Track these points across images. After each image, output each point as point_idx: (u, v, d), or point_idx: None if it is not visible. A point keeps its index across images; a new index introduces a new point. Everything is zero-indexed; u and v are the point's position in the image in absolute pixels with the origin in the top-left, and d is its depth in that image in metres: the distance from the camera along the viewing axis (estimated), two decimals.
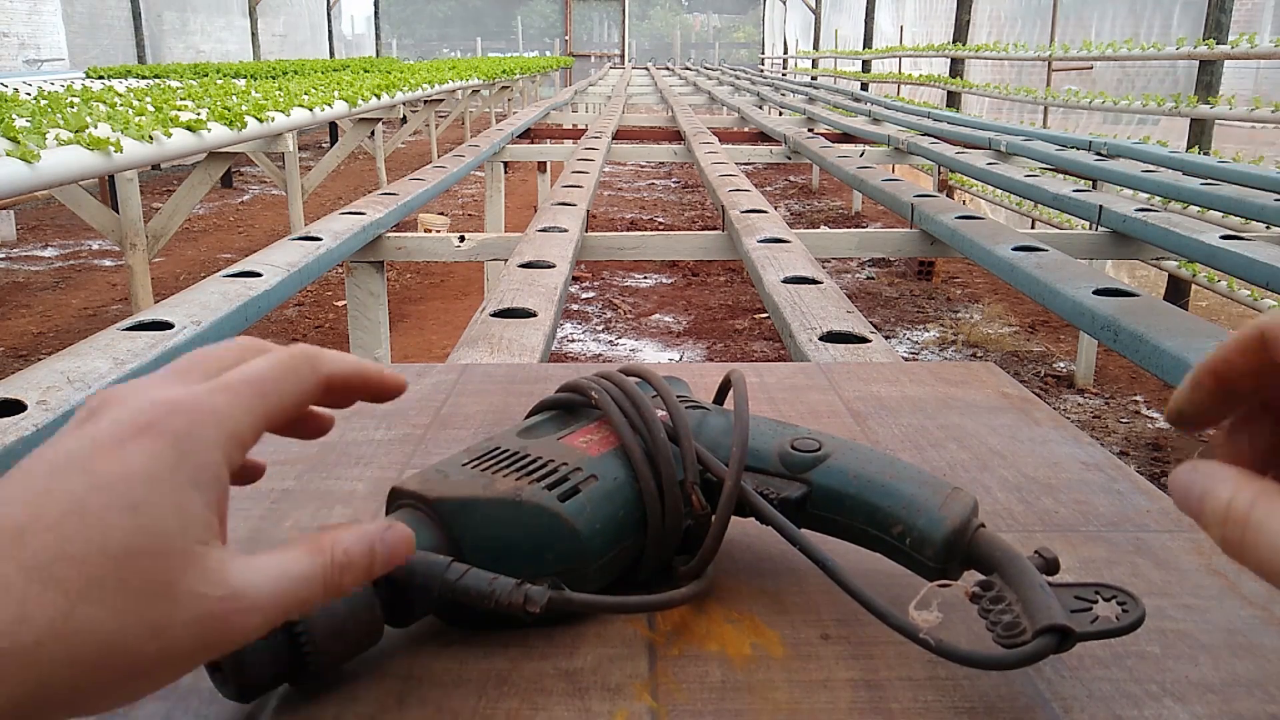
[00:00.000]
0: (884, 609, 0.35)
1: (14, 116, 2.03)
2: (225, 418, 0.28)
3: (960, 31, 6.99)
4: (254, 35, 11.50)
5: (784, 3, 15.79)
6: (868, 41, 10.08)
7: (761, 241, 1.45)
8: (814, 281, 1.18)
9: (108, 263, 5.07)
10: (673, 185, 8.02)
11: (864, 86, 8.73)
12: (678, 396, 0.44)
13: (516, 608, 0.34)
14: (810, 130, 3.68)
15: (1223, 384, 0.28)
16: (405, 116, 8.06)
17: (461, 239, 1.71)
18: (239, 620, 0.26)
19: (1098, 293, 1.11)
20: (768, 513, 0.38)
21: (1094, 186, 2.58)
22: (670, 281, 4.82)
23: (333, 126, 8.83)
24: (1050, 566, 0.35)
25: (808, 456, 0.40)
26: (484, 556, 0.36)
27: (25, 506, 0.25)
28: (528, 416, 0.44)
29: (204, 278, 1.16)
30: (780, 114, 5.19)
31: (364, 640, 0.35)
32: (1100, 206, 1.82)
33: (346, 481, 0.52)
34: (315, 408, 0.33)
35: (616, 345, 3.82)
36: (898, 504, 0.38)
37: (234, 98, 3.49)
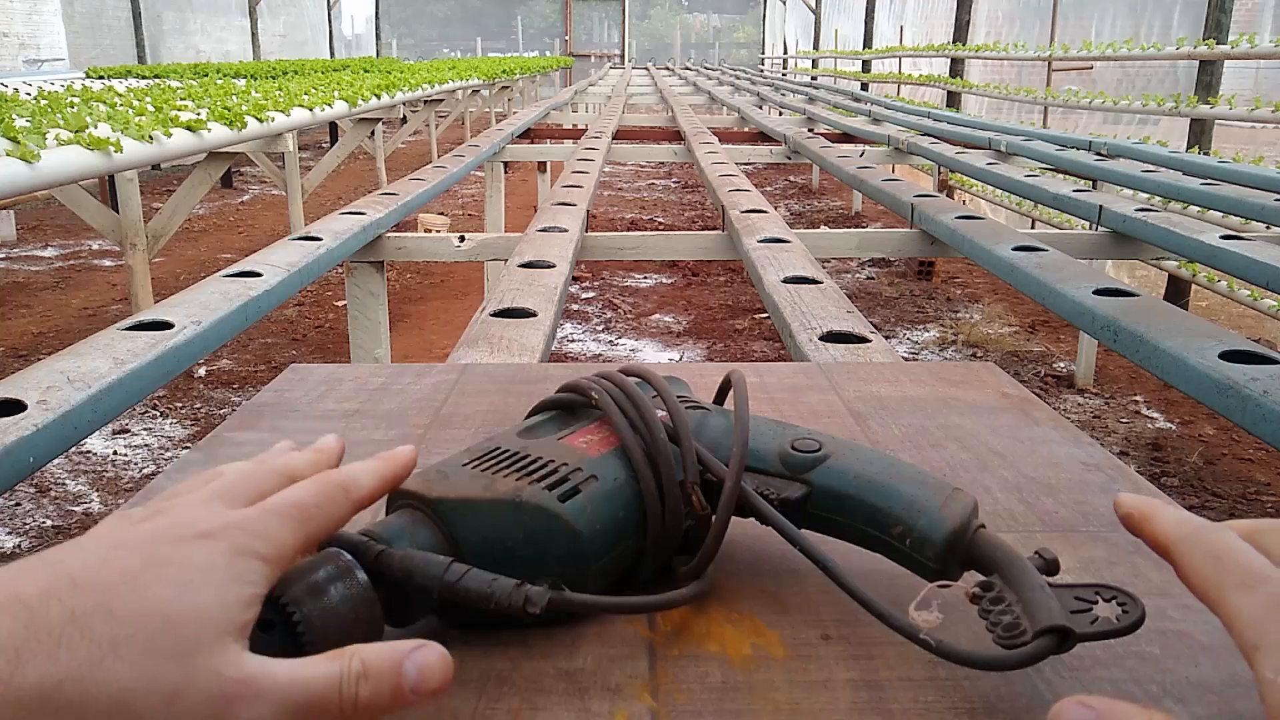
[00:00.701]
0: (884, 610, 0.35)
1: (14, 116, 2.03)
2: (274, 539, 0.31)
3: (960, 31, 6.99)
4: (254, 35, 11.50)
5: (784, 3, 15.79)
6: (868, 41, 10.08)
7: (761, 241, 1.45)
8: (814, 281, 1.18)
9: (108, 263, 5.07)
10: (673, 185, 8.02)
11: (864, 86, 8.73)
12: (678, 397, 0.44)
13: (516, 608, 0.34)
14: (810, 130, 3.68)
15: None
16: (405, 116, 8.07)
17: (461, 239, 1.71)
18: (246, 705, 0.27)
19: (1098, 293, 1.11)
20: (768, 513, 0.38)
21: (1094, 186, 2.58)
22: (670, 281, 4.82)
23: (333, 126, 8.84)
24: (1050, 567, 0.35)
25: (808, 457, 0.40)
26: (484, 557, 0.36)
27: (83, 566, 0.27)
28: (528, 416, 0.44)
29: (204, 278, 1.16)
30: (780, 114, 5.19)
31: (362, 637, 0.34)
32: (1100, 206, 1.82)
33: None
34: None
35: (616, 345, 3.82)
36: (898, 504, 0.38)
37: (234, 98, 3.49)
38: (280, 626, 0.32)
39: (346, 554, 0.34)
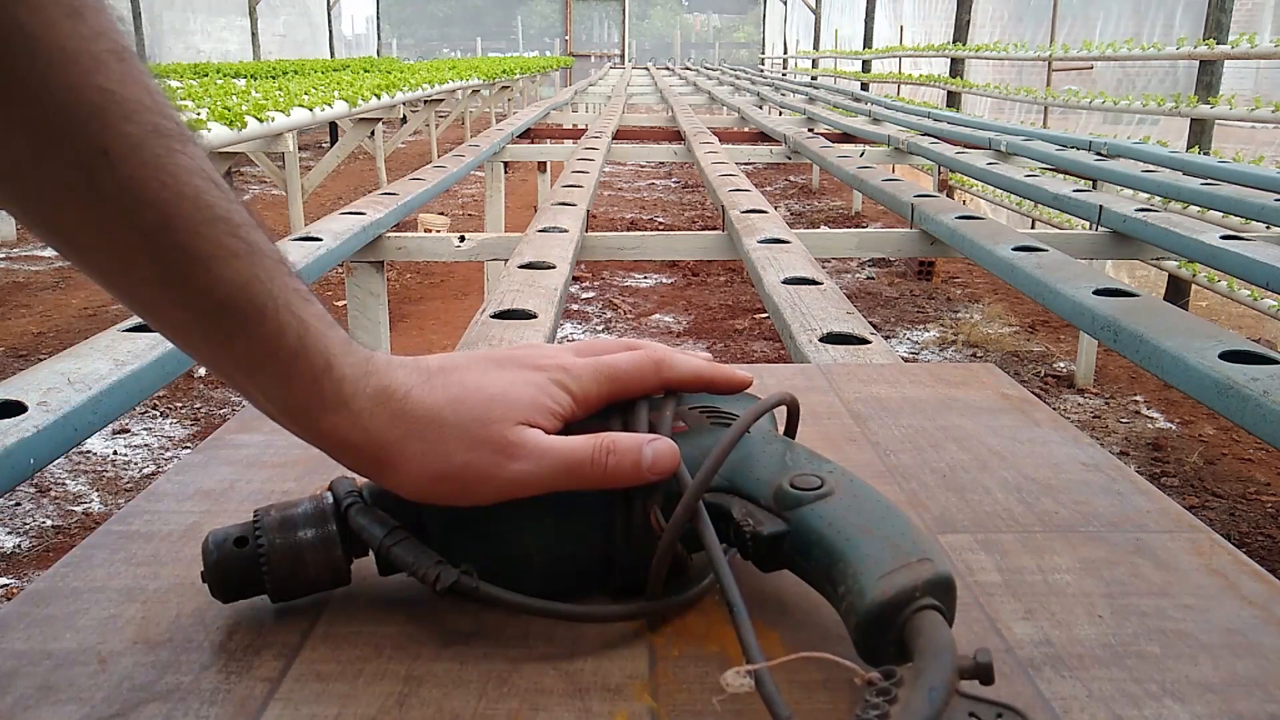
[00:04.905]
0: (757, 659, 0.32)
1: None
2: (584, 384, 0.40)
3: (960, 31, 6.99)
4: (254, 35, 11.50)
5: (784, 3, 15.78)
6: (868, 41, 10.08)
7: (761, 242, 1.45)
8: (814, 282, 1.18)
9: None
10: (673, 185, 8.02)
11: (864, 86, 8.73)
12: (717, 410, 0.43)
13: (428, 583, 0.37)
14: (810, 130, 3.68)
15: None
16: (405, 116, 8.07)
17: (461, 239, 1.71)
18: (526, 454, 0.37)
19: (1098, 293, 1.11)
20: (707, 542, 0.37)
21: (1094, 186, 2.58)
22: (670, 281, 4.82)
23: (333, 126, 8.83)
24: (980, 672, 0.30)
25: (798, 494, 0.37)
26: (445, 531, 0.39)
27: (458, 359, 0.40)
28: None
29: None
30: (780, 114, 5.19)
31: (323, 575, 0.39)
32: (1100, 206, 1.82)
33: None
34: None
35: None
36: (851, 563, 0.34)
37: (234, 97, 3.49)
38: (251, 546, 0.38)
39: (329, 501, 0.39)
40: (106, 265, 0.33)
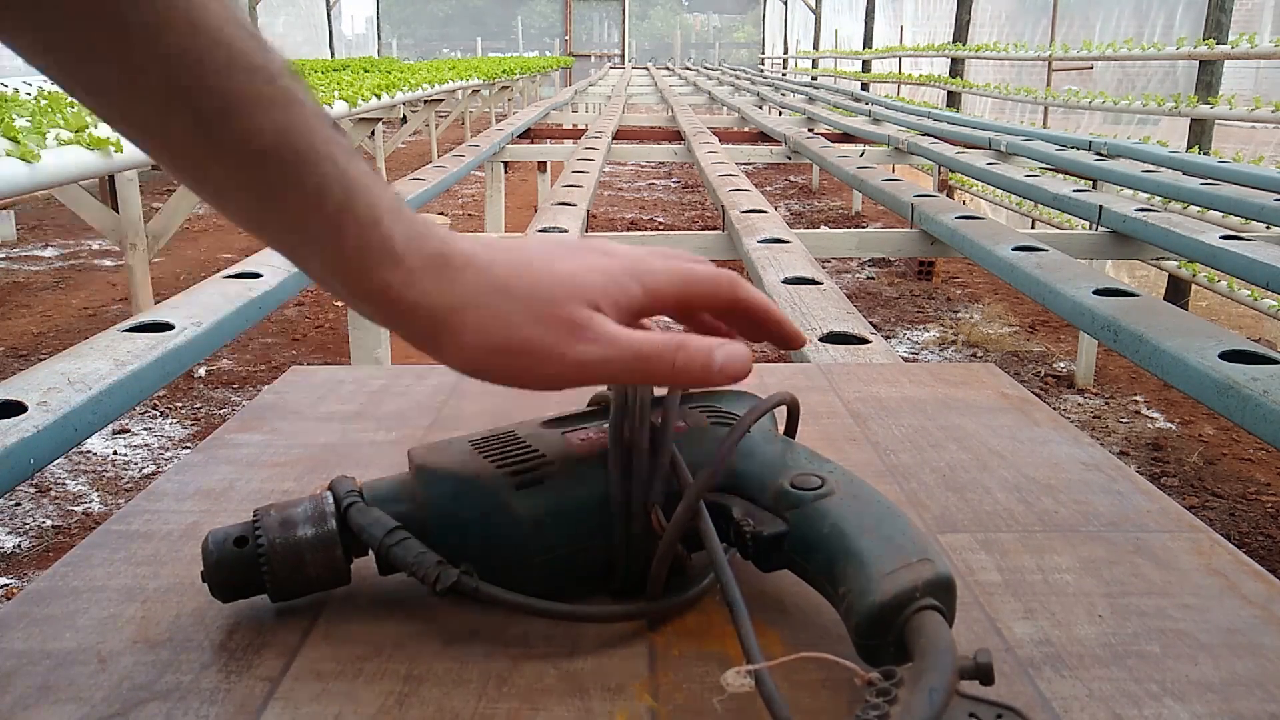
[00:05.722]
0: (754, 656, 0.32)
1: (14, 116, 2.03)
2: (657, 280, 0.39)
3: (960, 31, 6.99)
4: None
5: (784, 3, 15.78)
6: (868, 41, 10.08)
7: (761, 242, 1.45)
8: (814, 282, 1.18)
9: (108, 263, 5.07)
10: (673, 185, 8.01)
11: (864, 86, 8.73)
12: (713, 409, 0.43)
13: (428, 584, 0.36)
14: (810, 130, 3.68)
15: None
16: (405, 116, 8.08)
17: None
18: (587, 344, 0.36)
19: (1098, 293, 1.11)
20: (709, 542, 0.36)
21: (1094, 186, 2.58)
22: None
23: None
24: (981, 673, 0.30)
25: (798, 494, 0.37)
26: (446, 529, 0.38)
27: (539, 239, 0.40)
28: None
29: (204, 278, 1.16)
30: (780, 114, 5.19)
31: (323, 574, 0.38)
32: (1100, 206, 1.82)
33: None
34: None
35: None
36: (851, 564, 0.34)
37: None
38: (251, 546, 0.38)
39: (330, 499, 0.39)
40: (144, 121, 0.33)
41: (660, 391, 0.41)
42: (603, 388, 0.43)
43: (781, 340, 0.43)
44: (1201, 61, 3.96)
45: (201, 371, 3.32)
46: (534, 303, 0.36)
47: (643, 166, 8.98)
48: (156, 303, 1.32)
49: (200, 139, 0.32)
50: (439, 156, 2.73)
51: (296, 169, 0.33)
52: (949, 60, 7.21)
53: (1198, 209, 2.58)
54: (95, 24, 0.30)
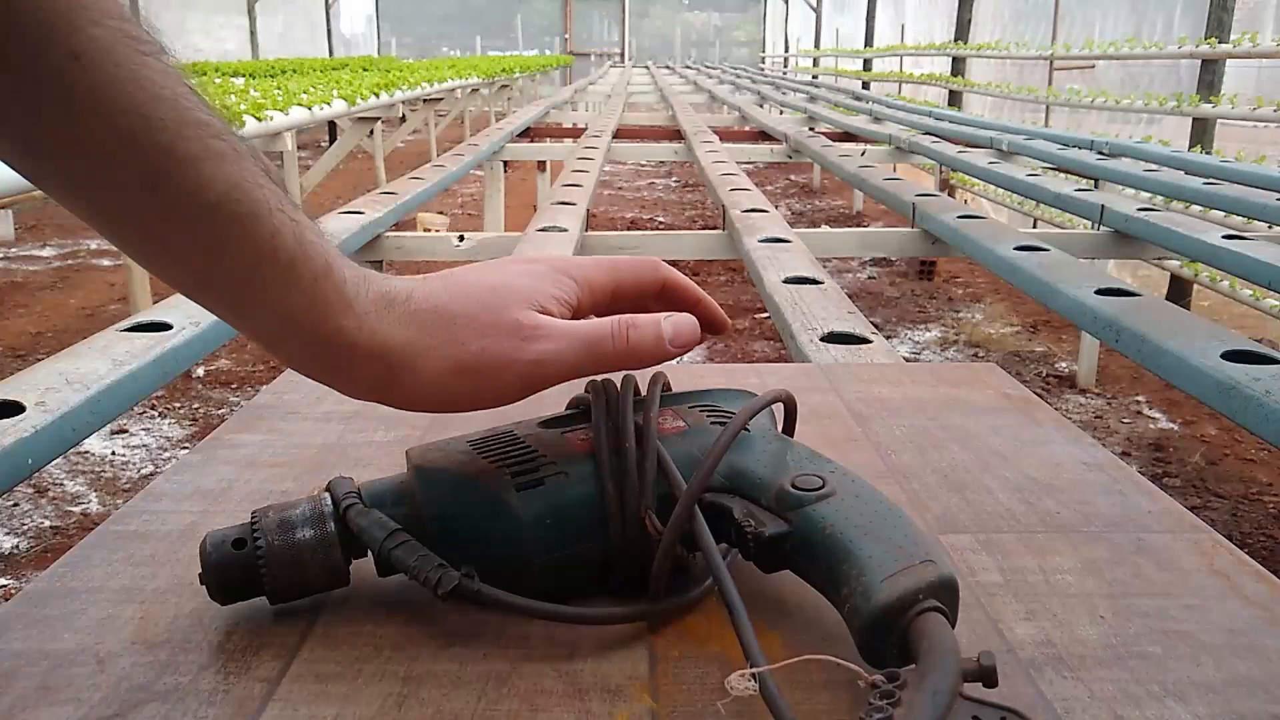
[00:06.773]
0: (759, 661, 0.32)
1: None
2: (586, 270, 0.41)
3: (962, 30, 6.99)
4: (253, 34, 11.49)
5: (785, 1, 15.78)
6: (869, 40, 10.08)
7: (762, 241, 1.45)
8: (815, 282, 1.17)
9: (106, 262, 5.06)
10: (673, 184, 8.01)
11: (865, 85, 8.72)
12: (712, 407, 0.43)
13: (429, 587, 0.36)
14: (811, 129, 3.68)
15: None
16: (404, 115, 8.07)
17: (461, 238, 1.71)
18: (545, 334, 0.37)
19: (1099, 292, 1.11)
20: (704, 544, 0.36)
21: (1096, 186, 2.58)
22: None
23: (331, 125, 8.81)
24: (984, 675, 0.30)
25: (800, 495, 0.37)
26: (446, 531, 0.38)
27: (459, 270, 0.40)
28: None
29: None
30: (781, 113, 5.19)
31: (322, 576, 0.38)
32: (1102, 206, 1.82)
33: None
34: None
35: None
36: (854, 565, 0.34)
37: (232, 96, 3.49)
38: (249, 548, 0.37)
39: (329, 501, 0.39)
40: (88, 178, 0.32)
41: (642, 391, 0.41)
42: (580, 390, 0.43)
43: (709, 324, 0.44)
44: (1203, 61, 3.95)
45: (200, 371, 3.32)
46: (479, 318, 0.37)
47: (643, 165, 8.97)
48: (155, 302, 1.32)
49: (149, 195, 0.32)
50: (438, 155, 2.73)
51: (249, 219, 0.33)
52: (950, 59, 7.20)
53: (1200, 208, 2.58)
54: (40, 90, 0.30)
